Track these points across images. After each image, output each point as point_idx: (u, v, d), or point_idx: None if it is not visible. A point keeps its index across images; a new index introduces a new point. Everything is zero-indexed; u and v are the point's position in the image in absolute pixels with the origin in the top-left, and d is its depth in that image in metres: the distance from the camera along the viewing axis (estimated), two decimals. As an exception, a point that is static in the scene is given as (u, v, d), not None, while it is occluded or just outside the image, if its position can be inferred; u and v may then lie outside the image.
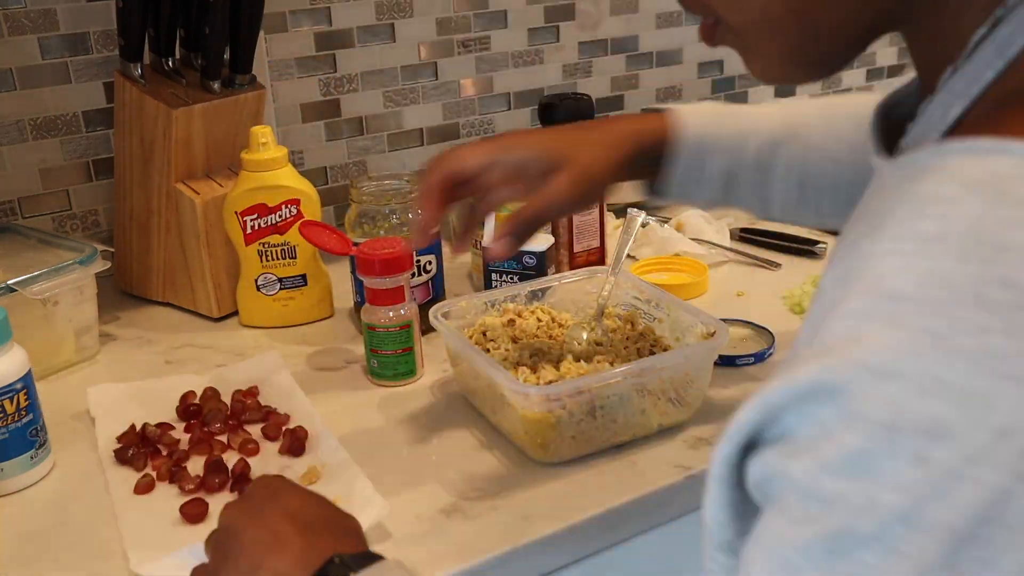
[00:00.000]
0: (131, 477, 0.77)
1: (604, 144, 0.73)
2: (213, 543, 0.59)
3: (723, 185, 0.77)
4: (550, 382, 0.78)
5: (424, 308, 0.98)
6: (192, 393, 0.87)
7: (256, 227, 1.01)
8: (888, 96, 0.54)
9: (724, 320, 1.00)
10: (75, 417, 0.88)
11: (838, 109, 0.77)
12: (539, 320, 0.91)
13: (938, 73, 0.43)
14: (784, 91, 1.62)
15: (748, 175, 0.77)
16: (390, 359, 0.89)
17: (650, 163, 0.76)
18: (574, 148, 0.72)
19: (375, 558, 0.55)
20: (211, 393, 0.87)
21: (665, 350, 0.86)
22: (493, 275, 1.01)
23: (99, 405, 0.87)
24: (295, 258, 1.03)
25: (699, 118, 0.76)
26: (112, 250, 1.10)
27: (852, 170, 0.74)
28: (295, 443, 0.79)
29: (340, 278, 1.08)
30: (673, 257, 1.14)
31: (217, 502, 0.70)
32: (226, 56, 1.04)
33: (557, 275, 0.96)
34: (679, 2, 0.50)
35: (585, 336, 0.88)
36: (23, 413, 0.76)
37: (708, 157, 0.76)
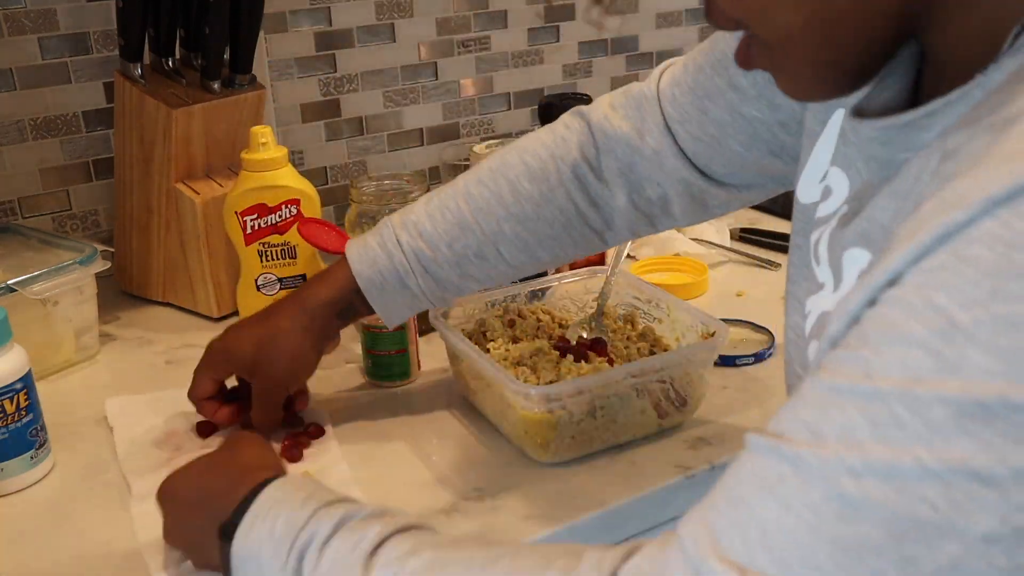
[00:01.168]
0: (150, 490, 0.75)
1: (299, 331, 0.79)
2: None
3: (437, 294, 0.79)
4: (550, 382, 0.78)
5: (424, 308, 0.98)
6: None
7: (256, 227, 1.01)
8: (859, 103, 0.54)
9: (724, 320, 1.00)
10: (75, 417, 0.88)
11: (509, 173, 0.79)
12: (539, 320, 0.91)
13: (965, 72, 0.44)
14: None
15: (452, 277, 0.79)
16: (385, 359, 0.89)
17: (356, 310, 0.81)
18: (267, 362, 0.79)
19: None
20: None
21: (665, 350, 0.86)
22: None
23: (117, 416, 0.87)
24: (295, 258, 1.03)
25: (369, 256, 0.78)
26: (112, 250, 1.10)
27: (549, 221, 0.78)
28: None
29: (340, 278, 1.08)
30: (673, 257, 1.14)
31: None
32: (226, 56, 1.04)
33: (557, 275, 0.96)
34: (708, 21, 0.51)
35: (584, 336, 0.88)
36: (23, 413, 0.76)
37: (409, 281, 0.78)
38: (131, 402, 0.89)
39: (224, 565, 0.58)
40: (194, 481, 0.65)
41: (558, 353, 0.84)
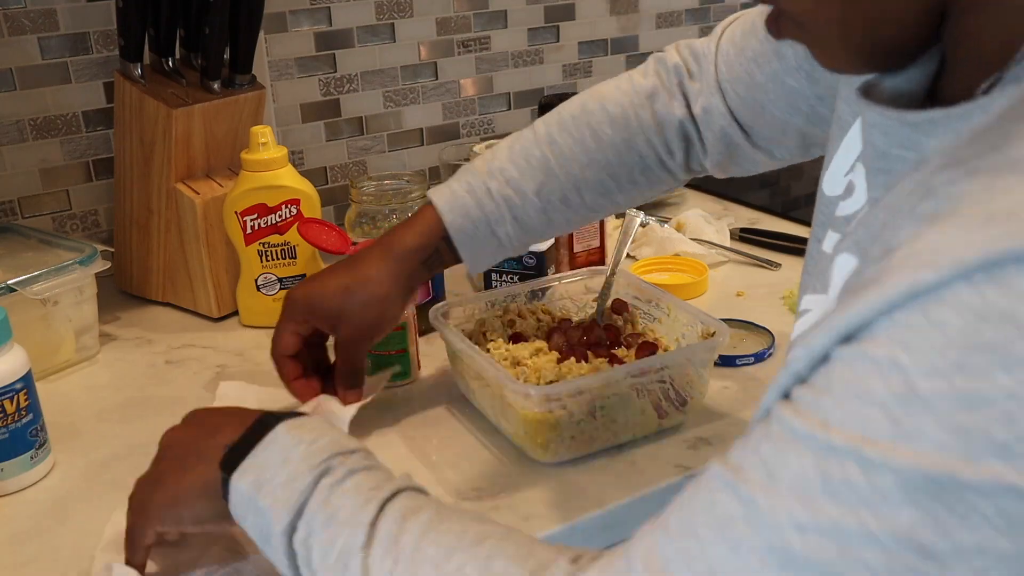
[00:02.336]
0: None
1: (390, 278, 0.77)
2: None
3: (521, 240, 0.81)
4: (550, 382, 0.78)
5: (423, 308, 0.98)
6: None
7: (256, 227, 1.01)
8: (869, 81, 0.54)
9: (724, 320, 1.00)
10: (75, 417, 0.88)
11: (592, 119, 0.80)
12: (539, 320, 0.91)
13: (976, 76, 0.44)
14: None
15: (541, 221, 0.80)
16: (384, 359, 0.89)
17: (443, 258, 0.81)
18: (353, 311, 0.77)
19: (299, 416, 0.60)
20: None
21: (665, 350, 0.86)
22: (493, 275, 1.01)
23: (225, 397, 0.89)
24: (295, 258, 1.03)
25: (460, 204, 0.78)
26: (112, 250, 1.10)
27: (628, 167, 0.80)
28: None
29: (340, 278, 1.08)
30: (673, 257, 1.14)
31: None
32: (226, 56, 1.04)
33: (557, 275, 0.96)
34: None
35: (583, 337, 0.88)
36: (23, 413, 0.76)
37: (497, 229, 0.79)
38: (240, 388, 0.91)
39: (246, 437, 0.59)
40: (198, 419, 0.66)
41: (558, 353, 0.84)
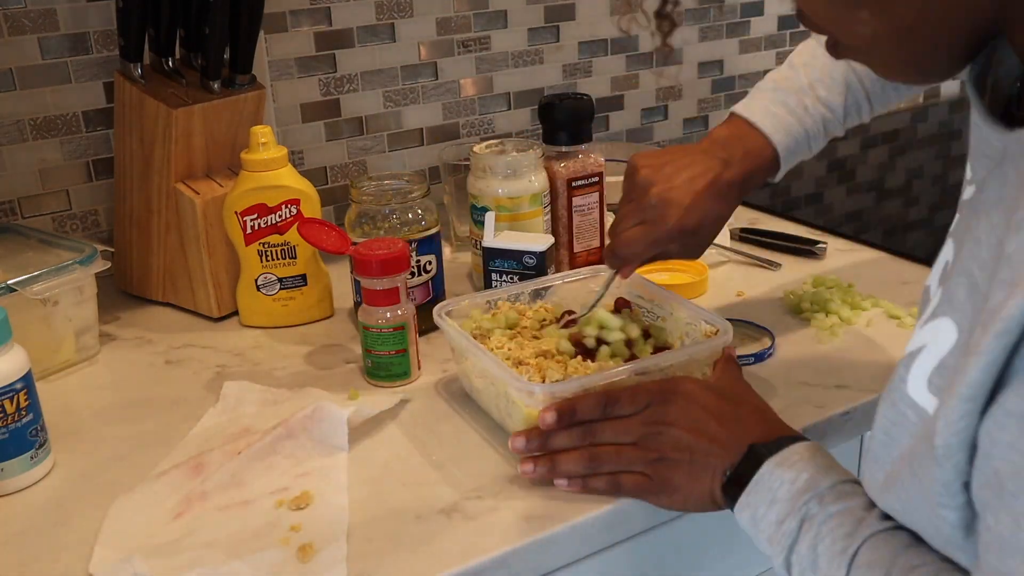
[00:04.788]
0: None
1: (720, 201, 0.83)
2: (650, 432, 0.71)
3: (818, 150, 0.90)
4: (556, 381, 0.78)
5: (424, 308, 0.98)
6: None
7: (256, 227, 1.01)
8: (971, 70, 0.56)
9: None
10: (75, 417, 0.88)
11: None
12: (543, 320, 0.91)
13: None
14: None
15: (836, 133, 0.90)
16: (384, 360, 0.90)
17: (764, 180, 0.88)
18: (701, 220, 0.82)
19: (786, 442, 0.66)
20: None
21: (668, 349, 0.86)
22: (493, 275, 1.01)
23: (229, 396, 0.89)
24: (295, 258, 1.03)
25: (786, 133, 0.85)
26: (112, 250, 1.10)
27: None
28: None
29: (340, 278, 1.08)
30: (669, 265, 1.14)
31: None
32: (226, 56, 1.04)
33: (559, 274, 0.96)
34: (799, 21, 0.56)
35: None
36: (23, 413, 0.76)
37: (811, 144, 0.87)
38: (243, 388, 0.91)
39: (740, 468, 0.66)
40: (700, 423, 0.70)
41: (567, 355, 0.84)
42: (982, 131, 0.53)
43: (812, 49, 0.89)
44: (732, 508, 0.66)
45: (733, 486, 0.66)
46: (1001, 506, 0.43)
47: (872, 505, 0.60)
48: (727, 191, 0.83)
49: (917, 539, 0.57)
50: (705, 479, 0.69)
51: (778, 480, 0.64)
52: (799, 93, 0.86)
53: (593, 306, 0.89)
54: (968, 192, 0.57)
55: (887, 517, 0.59)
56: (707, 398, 0.71)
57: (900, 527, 0.59)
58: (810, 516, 0.61)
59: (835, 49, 0.56)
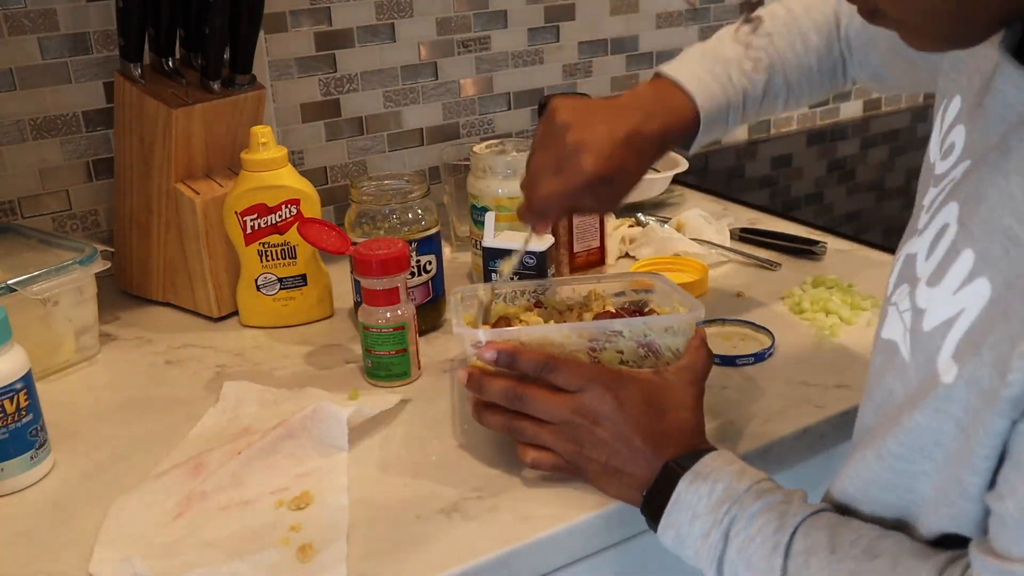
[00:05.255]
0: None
1: (638, 154, 0.80)
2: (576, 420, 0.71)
3: (733, 127, 0.89)
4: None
5: (424, 308, 0.98)
6: None
7: (256, 227, 1.01)
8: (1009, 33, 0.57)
9: (724, 320, 1.00)
10: (75, 417, 0.88)
11: (801, 25, 0.89)
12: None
13: None
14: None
15: (752, 114, 0.89)
16: (384, 360, 0.90)
17: (680, 142, 0.86)
18: (618, 170, 0.79)
19: (699, 454, 0.67)
20: None
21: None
22: (493, 275, 1.01)
23: (228, 396, 0.89)
24: (295, 258, 1.03)
25: (710, 97, 0.84)
26: (112, 250, 1.10)
27: (820, 73, 0.90)
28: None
29: (341, 278, 1.08)
30: (673, 257, 1.14)
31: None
32: (226, 56, 1.04)
33: (557, 279, 0.95)
34: None
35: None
36: (23, 413, 0.76)
37: (729, 117, 0.86)
38: (243, 388, 0.91)
39: (657, 489, 0.67)
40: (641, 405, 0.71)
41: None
42: (1005, 95, 0.53)
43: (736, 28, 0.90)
44: (654, 529, 0.67)
45: (652, 506, 0.67)
46: None
47: (791, 495, 0.62)
48: (646, 145, 0.80)
49: (843, 517, 0.59)
50: (616, 484, 0.71)
51: (695, 495, 0.64)
52: (726, 63, 0.85)
53: (514, 267, 0.88)
54: (961, 164, 0.57)
55: (808, 502, 0.61)
56: (639, 408, 0.70)
57: (823, 509, 0.60)
58: (734, 523, 0.62)
59: (873, 16, 0.55)
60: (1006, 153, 0.51)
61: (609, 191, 0.80)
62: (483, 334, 0.75)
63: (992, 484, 0.48)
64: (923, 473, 0.53)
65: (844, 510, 0.60)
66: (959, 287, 0.52)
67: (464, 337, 0.76)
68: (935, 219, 0.57)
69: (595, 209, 0.86)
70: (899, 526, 0.57)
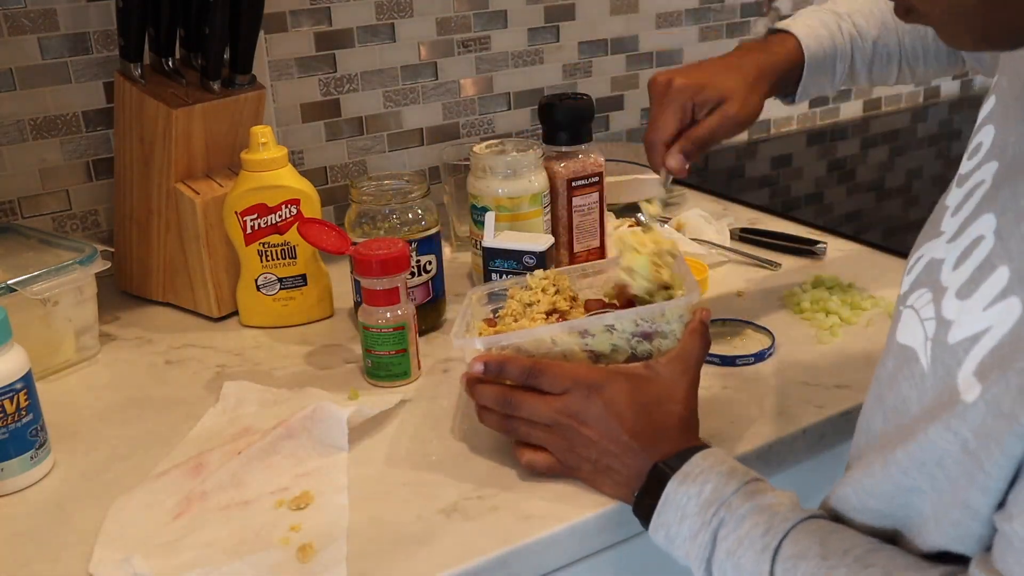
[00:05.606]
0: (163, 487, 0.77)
1: (753, 80, 0.90)
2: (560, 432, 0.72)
3: (843, 80, 0.95)
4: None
5: (424, 308, 0.98)
6: None
7: (256, 227, 1.01)
8: None
9: (724, 320, 1.00)
10: (75, 417, 0.88)
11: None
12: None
13: None
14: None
15: (863, 71, 0.95)
16: (384, 360, 0.90)
17: (787, 84, 0.93)
18: (735, 89, 0.89)
19: (688, 454, 0.67)
20: None
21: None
22: (493, 275, 1.01)
23: (228, 396, 0.89)
24: (295, 258, 1.03)
25: (815, 38, 0.92)
26: (112, 250, 1.10)
27: (936, 43, 0.94)
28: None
29: (341, 278, 1.08)
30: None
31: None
32: (226, 56, 1.04)
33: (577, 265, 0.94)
34: None
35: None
36: (23, 413, 0.76)
37: (836, 64, 0.93)
38: (243, 388, 0.91)
39: (647, 490, 0.68)
40: (635, 407, 0.71)
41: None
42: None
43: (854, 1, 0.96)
44: (646, 528, 0.68)
45: (643, 506, 0.68)
46: None
47: (780, 498, 0.62)
48: (768, 79, 0.90)
49: (836, 524, 0.58)
50: (609, 482, 0.71)
51: (684, 496, 0.65)
52: (836, 16, 0.93)
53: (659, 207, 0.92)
54: (987, 165, 0.56)
55: (800, 507, 0.61)
56: (627, 406, 0.71)
57: (816, 515, 0.60)
58: (723, 524, 0.62)
59: (907, 15, 0.55)
60: None
61: (741, 127, 0.90)
62: (479, 342, 0.76)
63: (1002, 504, 0.48)
64: (918, 489, 0.53)
65: (841, 518, 0.60)
66: (990, 303, 0.51)
67: (463, 347, 0.77)
68: (969, 229, 0.55)
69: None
70: (895, 539, 0.57)
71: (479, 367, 0.75)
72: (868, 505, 0.57)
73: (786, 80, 0.92)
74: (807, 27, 0.92)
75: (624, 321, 0.76)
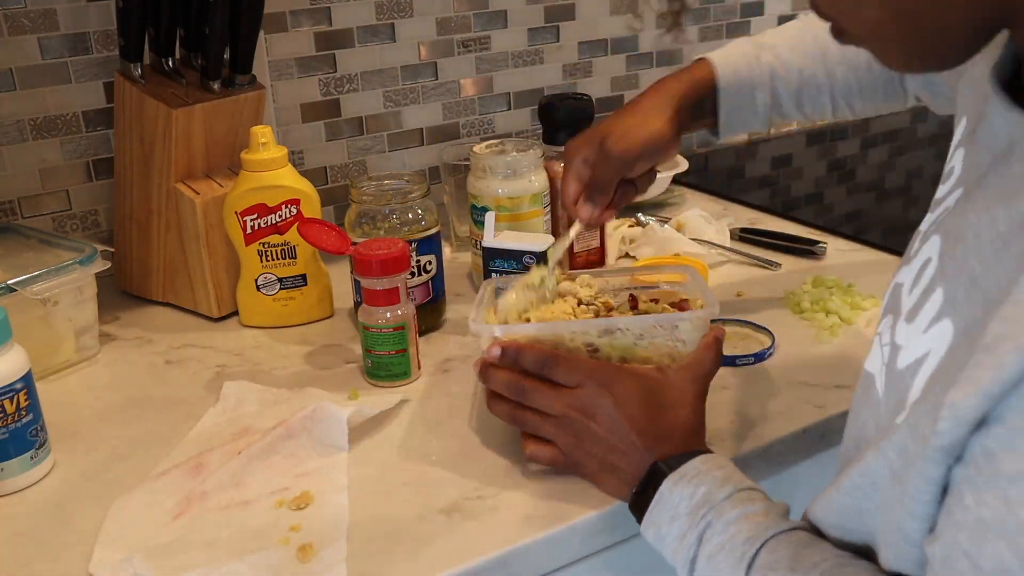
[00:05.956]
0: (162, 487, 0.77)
1: (653, 106, 0.86)
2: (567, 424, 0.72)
3: (769, 113, 0.91)
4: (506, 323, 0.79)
5: (424, 308, 0.98)
6: None
7: (256, 227, 1.01)
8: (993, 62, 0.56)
9: (724, 320, 1.00)
10: (75, 417, 0.88)
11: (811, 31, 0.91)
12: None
13: None
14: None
15: (791, 103, 0.91)
16: (384, 360, 0.90)
17: (703, 110, 0.90)
18: (617, 124, 0.86)
19: (687, 457, 0.67)
20: None
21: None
22: (493, 275, 1.01)
23: (228, 396, 0.89)
24: (295, 258, 1.03)
25: (731, 66, 0.89)
26: (112, 250, 1.10)
27: (872, 74, 0.90)
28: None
29: (341, 278, 1.08)
30: (673, 257, 1.14)
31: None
32: (226, 56, 1.04)
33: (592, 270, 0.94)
34: (811, 6, 0.56)
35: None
36: (23, 413, 0.76)
37: (756, 93, 0.89)
38: (243, 388, 0.91)
39: (644, 487, 0.68)
40: (637, 405, 0.71)
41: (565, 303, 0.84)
42: (992, 124, 0.53)
43: (791, 27, 0.92)
44: (639, 524, 0.68)
45: (639, 504, 0.68)
46: (989, 487, 0.42)
47: (770, 508, 0.62)
48: (671, 104, 0.86)
49: (815, 537, 0.58)
50: (613, 480, 0.71)
51: (677, 496, 0.65)
52: (758, 46, 0.90)
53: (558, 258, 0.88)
54: (955, 192, 0.56)
55: (786, 518, 0.61)
56: (637, 406, 0.71)
57: (798, 527, 0.60)
58: (709, 527, 0.62)
59: (840, 36, 0.55)
60: (984, 189, 0.51)
61: (633, 155, 0.85)
62: (498, 330, 0.76)
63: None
64: (869, 511, 0.53)
65: (819, 531, 0.60)
66: (928, 326, 0.51)
67: (480, 332, 0.77)
68: (921, 250, 0.56)
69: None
70: (869, 555, 0.56)
71: (496, 352, 0.74)
72: (837, 521, 0.57)
73: (699, 104, 0.88)
74: (724, 54, 0.89)
75: (644, 327, 0.76)
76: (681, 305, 0.84)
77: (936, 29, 0.50)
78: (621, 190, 0.87)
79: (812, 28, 0.90)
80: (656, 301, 0.85)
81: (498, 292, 0.86)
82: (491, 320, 0.80)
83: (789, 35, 0.90)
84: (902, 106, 0.93)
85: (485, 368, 0.76)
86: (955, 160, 0.59)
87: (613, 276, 0.90)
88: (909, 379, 0.51)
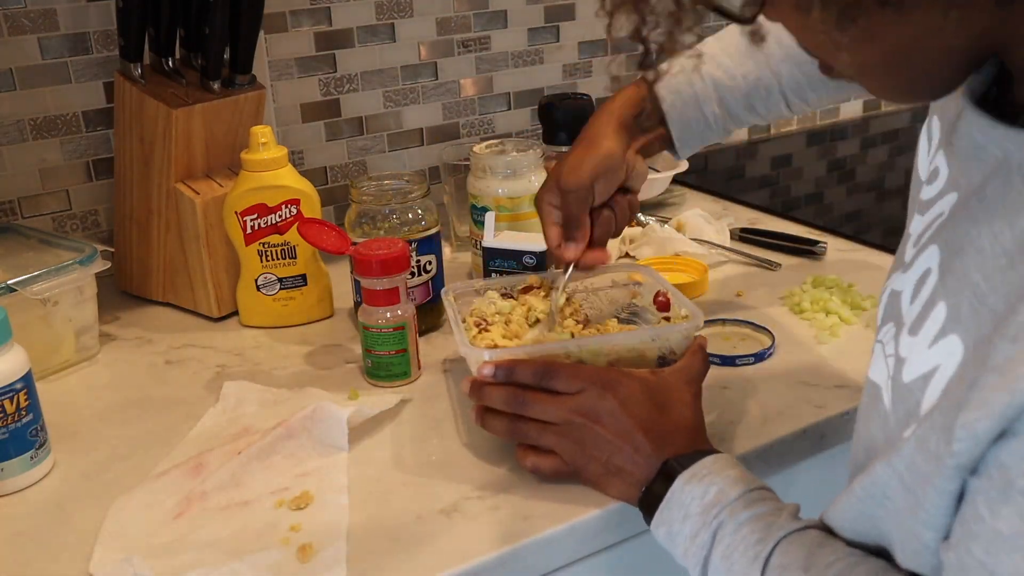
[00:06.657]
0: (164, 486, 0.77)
1: (599, 130, 0.85)
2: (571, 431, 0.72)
3: (723, 123, 0.88)
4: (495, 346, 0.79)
5: (424, 308, 0.98)
6: None
7: (256, 227, 1.01)
8: (971, 86, 0.56)
9: (724, 319, 1.00)
10: (75, 417, 0.88)
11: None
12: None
13: None
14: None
15: (739, 106, 0.87)
16: (384, 360, 0.90)
17: (650, 117, 0.88)
18: (567, 159, 0.84)
19: (698, 456, 0.67)
20: None
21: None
22: (493, 275, 1.01)
23: (228, 396, 0.89)
24: (295, 258, 1.03)
25: (671, 84, 0.86)
26: (112, 250, 1.10)
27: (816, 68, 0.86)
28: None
29: (341, 278, 1.08)
30: (673, 257, 1.14)
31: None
32: (226, 56, 1.04)
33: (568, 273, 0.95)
34: (798, 43, 0.55)
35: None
36: (23, 413, 0.76)
37: (703, 107, 0.86)
38: (243, 388, 0.91)
39: (655, 485, 0.68)
40: (644, 406, 0.71)
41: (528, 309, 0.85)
42: (972, 138, 0.52)
43: (730, 32, 0.90)
44: (649, 523, 0.68)
45: (649, 502, 0.68)
46: (1004, 500, 0.43)
47: (781, 508, 0.62)
48: (611, 123, 0.85)
49: (828, 537, 0.58)
50: (618, 483, 0.71)
51: (689, 495, 0.65)
52: (696, 59, 0.86)
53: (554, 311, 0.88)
54: (948, 196, 0.56)
55: (798, 517, 0.61)
56: (640, 406, 0.71)
57: (811, 526, 0.60)
58: (721, 527, 0.62)
59: (829, 72, 0.55)
60: (982, 201, 0.50)
61: (587, 178, 0.84)
62: (487, 354, 0.76)
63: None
64: (880, 518, 0.53)
65: (833, 532, 0.60)
66: (933, 341, 0.50)
67: (468, 356, 0.77)
68: (919, 259, 0.55)
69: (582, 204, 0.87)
70: (882, 555, 0.56)
71: (488, 371, 0.75)
72: (852, 526, 0.57)
73: (640, 113, 0.86)
74: (664, 70, 0.88)
75: (636, 339, 0.78)
76: (660, 300, 0.87)
77: (925, 65, 0.50)
78: (597, 219, 0.87)
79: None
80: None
81: (458, 299, 0.87)
82: (472, 335, 0.81)
83: (729, 41, 0.88)
84: (857, 93, 0.91)
85: (477, 386, 0.76)
86: (938, 161, 0.58)
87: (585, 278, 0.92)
88: (918, 394, 0.50)
